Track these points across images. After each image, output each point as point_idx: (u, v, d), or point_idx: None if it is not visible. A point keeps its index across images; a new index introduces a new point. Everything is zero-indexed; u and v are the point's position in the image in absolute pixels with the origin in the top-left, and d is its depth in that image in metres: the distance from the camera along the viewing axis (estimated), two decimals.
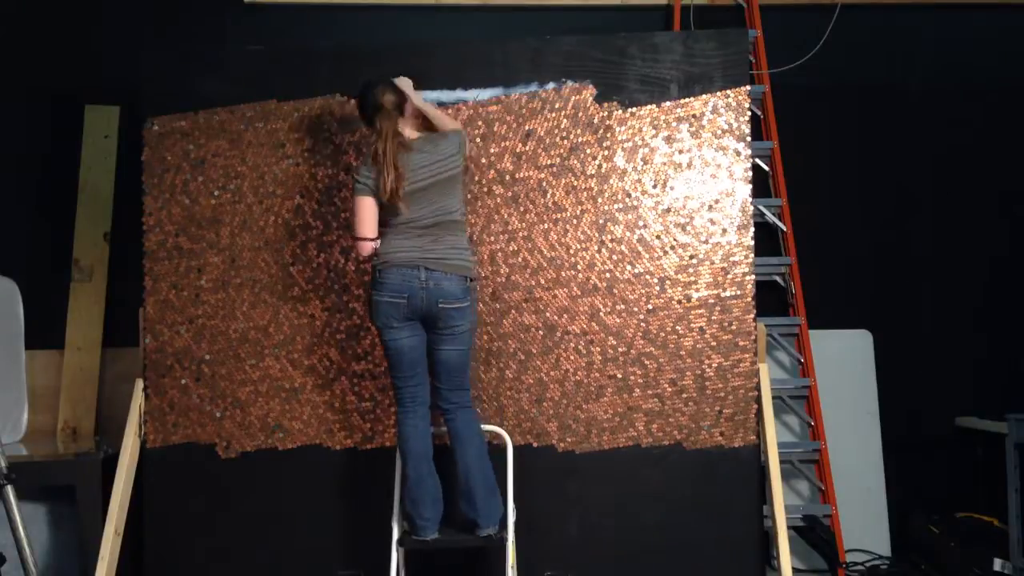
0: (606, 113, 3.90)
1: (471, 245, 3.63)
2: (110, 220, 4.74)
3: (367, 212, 3.44)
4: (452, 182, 3.46)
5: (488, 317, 3.86)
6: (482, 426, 3.57)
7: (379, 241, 3.46)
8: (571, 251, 3.87)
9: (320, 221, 3.94)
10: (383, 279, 3.41)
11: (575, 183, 3.90)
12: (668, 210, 3.88)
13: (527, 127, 3.91)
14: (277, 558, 3.86)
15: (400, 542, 3.49)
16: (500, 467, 3.55)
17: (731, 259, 3.86)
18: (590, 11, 4.97)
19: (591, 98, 3.91)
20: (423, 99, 3.61)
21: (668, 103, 3.90)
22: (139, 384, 3.93)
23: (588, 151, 3.90)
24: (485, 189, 3.91)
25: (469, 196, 3.89)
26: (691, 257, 3.87)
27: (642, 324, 3.85)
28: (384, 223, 3.45)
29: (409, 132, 3.52)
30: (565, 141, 3.90)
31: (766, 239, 4.70)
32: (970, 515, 4.56)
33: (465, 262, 3.45)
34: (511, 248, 3.89)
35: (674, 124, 3.89)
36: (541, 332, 3.87)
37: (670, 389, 3.83)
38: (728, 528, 3.77)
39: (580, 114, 3.90)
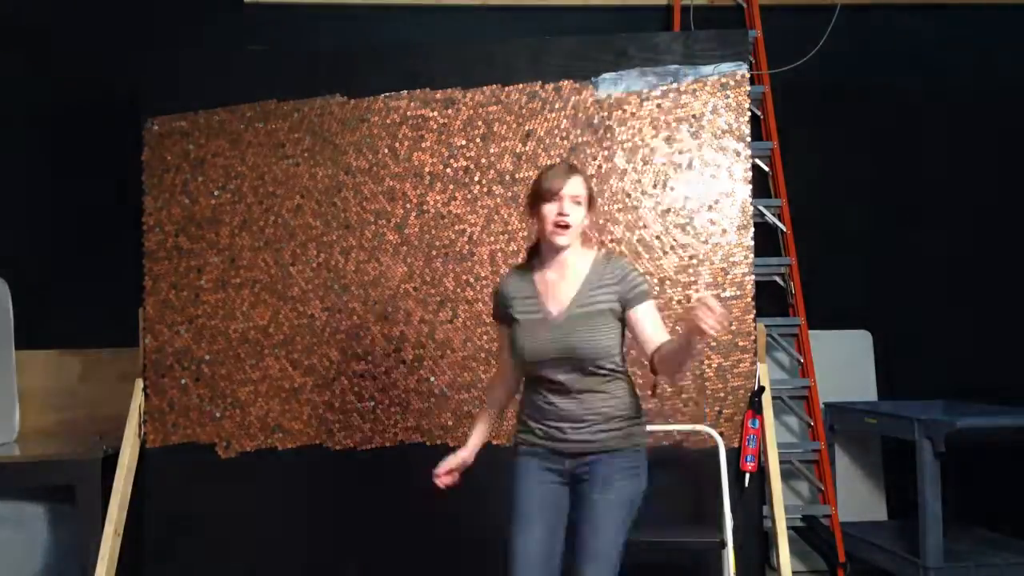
0: (606, 113, 3.90)
1: None
2: None
3: None
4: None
5: (489, 318, 3.86)
6: (686, 427, 3.56)
7: None
8: None
9: (320, 221, 3.94)
10: None
11: None
12: (668, 210, 3.88)
13: (527, 127, 3.91)
14: (277, 558, 3.86)
15: None
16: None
17: (731, 259, 3.85)
18: (590, 11, 4.96)
19: (591, 98, 3.91)
20: None
21: (668, 103, 3.89)
22: (139, 384, 3.94)
23: (588, 151, 3.90)
24: (485, 189, 3.91)
25: (469, 196, 3.89)
26: (691, 257, 3.86)
27: None
28: None
29: None
30: (565, 141, 3.90)
31: (766, 239, 4.70)
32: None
33: None
34: (511, 248, 3.89)
35: (674, 124, 3.88)
36: None
37: (670, 389, 3.83)
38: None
39: (580, 114, 3.90)
